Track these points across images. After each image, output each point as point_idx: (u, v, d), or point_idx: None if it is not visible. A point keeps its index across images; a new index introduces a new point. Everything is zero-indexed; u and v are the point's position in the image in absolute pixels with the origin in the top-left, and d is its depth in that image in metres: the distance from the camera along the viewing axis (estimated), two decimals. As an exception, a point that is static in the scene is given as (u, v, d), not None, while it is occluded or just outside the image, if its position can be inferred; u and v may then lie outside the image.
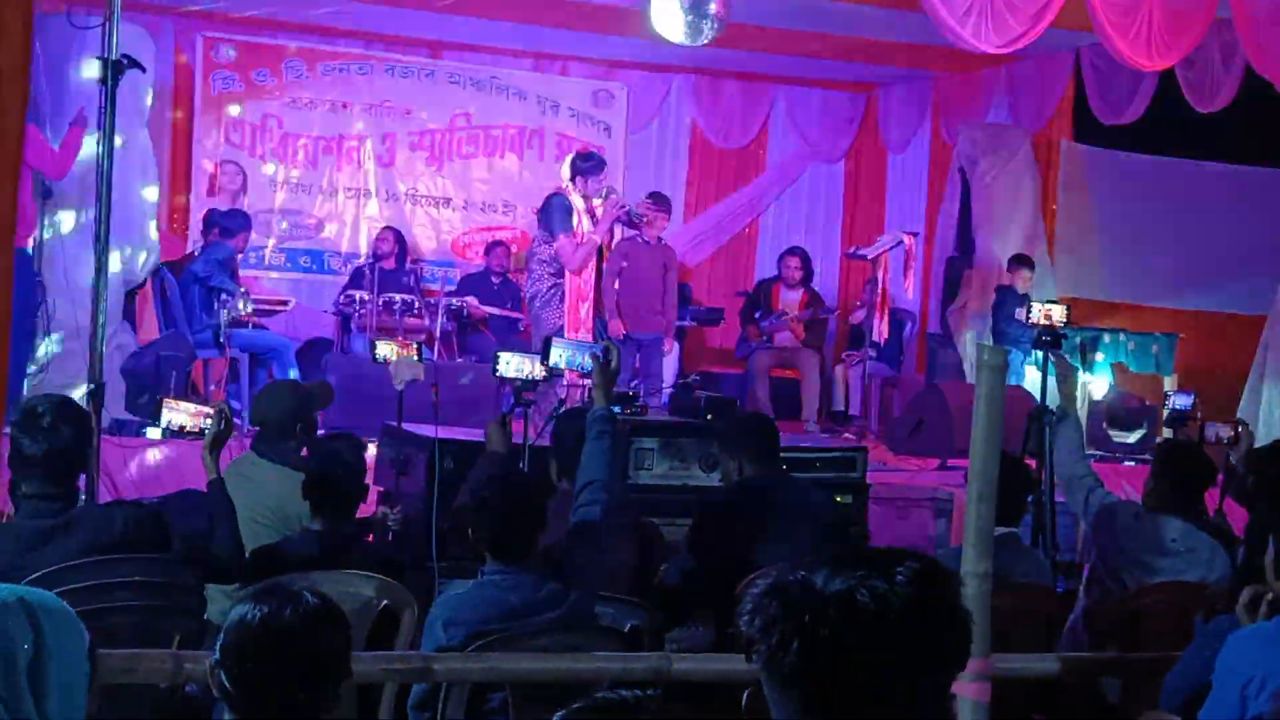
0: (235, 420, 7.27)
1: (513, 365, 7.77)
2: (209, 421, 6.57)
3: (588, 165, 12.78)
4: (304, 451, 7.74)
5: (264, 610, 3.48)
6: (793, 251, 15.80)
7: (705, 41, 11.83)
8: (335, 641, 3.58)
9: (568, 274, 12.46)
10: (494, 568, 5.71)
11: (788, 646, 2.18)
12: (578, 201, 12.48)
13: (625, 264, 12.78)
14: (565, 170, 13.03)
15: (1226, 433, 8.99)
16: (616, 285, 12.72)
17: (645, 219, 12.90)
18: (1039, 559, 7.68)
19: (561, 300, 12.45)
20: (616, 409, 7.09)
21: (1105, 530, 7.41)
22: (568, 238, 12.39)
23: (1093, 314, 15.94)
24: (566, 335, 12.51)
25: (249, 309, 13.20)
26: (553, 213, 12.57)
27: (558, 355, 7.56)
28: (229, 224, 13.67)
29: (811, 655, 2.17)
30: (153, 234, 13.21)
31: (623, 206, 12.67)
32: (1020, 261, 15.19)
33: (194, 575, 6.08)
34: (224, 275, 12.96)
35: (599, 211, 12.56)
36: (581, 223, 12.44)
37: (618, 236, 13.01)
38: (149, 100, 13.28)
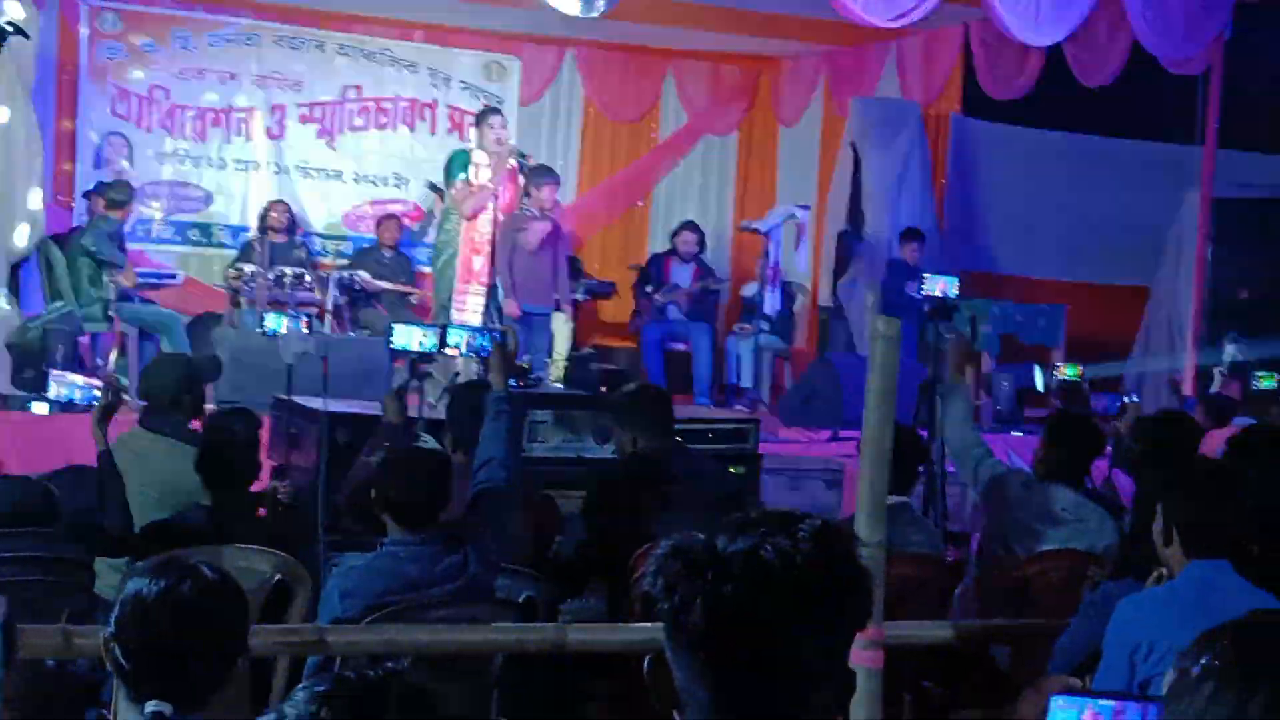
0: (123, 394, 7.21)
1: (407, 337, 7.76)
2: (98, 394, 6.52)
3: (480, 116, 12.99)
4: (193, 425, 7.69)
5: (161, 584, 3.46)
6: (687, 226, 15.83)
7: (598, 14, 11.81)
8: (232, 616, 3.56)
9: (463, 226, 12.55)
10: (394, 539, 5.71)
11: (691, 606, 2.17)
12: (478, 155, 12.61)
13: (516, 239, 12.76)
14: (472, 131, 13.29)
15: (1113, 403, 9.10)
16: (510, 263, 12.70)
17: (530, 170, 12.91)
18: (930, 528, 7.74)
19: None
20: (511, 382, 7.09)
21: (995, 499, 7.48)
22: (463, 184, 12.54)
23: (981, 286, 16.07)
24: (459, 287, 12.60)
25: (137, 282, 13.08)
26: (453, 165, 12.75)
27: (455, 339, 7.57)
28: (115, 195, 13.52)
29: (715, 613, 2.16)
30: (37, 206, 13.06)
31: (512, 151, 12.75)
32: (911, 235, 15.30)
33: (82, 550, 6.04)
34: (112, 248, 12.83)
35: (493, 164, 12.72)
36: (478, 174, 12.57)
37: (505, 199, 12.97)
38: (33, 70, 13.12)
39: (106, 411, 6.40)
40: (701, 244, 15.72)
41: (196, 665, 3.45)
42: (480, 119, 13.01)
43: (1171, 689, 1.99)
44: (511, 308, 12.68)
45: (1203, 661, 1.88)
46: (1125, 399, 9.07)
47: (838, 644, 2.24)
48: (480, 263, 12.68)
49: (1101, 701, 2.12)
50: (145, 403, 7.80)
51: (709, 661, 2.19)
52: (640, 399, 8.09)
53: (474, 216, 12.61)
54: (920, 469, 8.14)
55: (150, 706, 3.35)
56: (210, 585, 3.50)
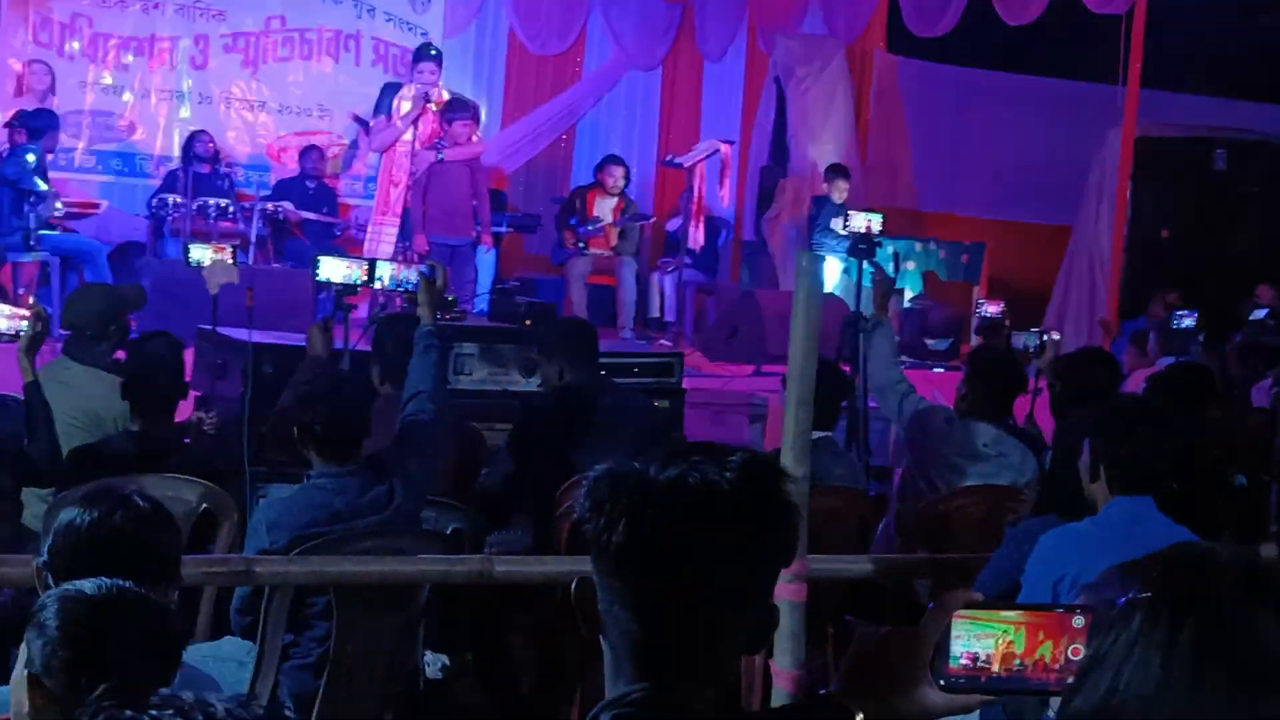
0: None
1: (333, 269, 7.75)
2: (25, 324, 6.50)
3: (417, 50, 12.97)
4: (117, 354, 7.68)
5: (94, 514, 3.48)
6: (613, 160, 15.82)
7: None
8: (166, 544, 3.59)
9: (382, 158, 12.63)
10: (320, 470, 5.72)
11: (615, 525, 2.20)
12: (405, 91, 12.66)
13: (430, 174, 12.76)
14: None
15: (1034, 341, 9.18)
16: (424, 195, 12.71)
17: (446, 103, 12.92)
18: (853, 462, 7.82)
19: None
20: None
21: (918, 434, 7.56)
22: (385, 119, 12.61)
23: (904, 223, 16.16)
24: (375, 218, 12.66)
25: (60, 211, 12.99)
26: (382, 98, 12.82)
27: (384, 273, 7.58)
28: (37, 124, 13.41)
29: (638, 534, 2.19)
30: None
31: (423, 93, 12.75)
32: (837, 171, 15.36)
33: (9, 479, 6.03)
34: (33, 177, 12.73)
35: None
36: (400, 108, 12.63)
37: (425, 132, 12.97)
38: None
39: (34, 342, 6.38)
40: (626, 178, 15.72)
41: (129, 593, 3.47)
42: (414, 58, 13.01)
43: (1096, 618, 2.03)
44: (420, 242, 12.67)
45: (1130, 594, 1.92)
46: (1046, 336, 9.13)
47: (759, 576, 2.27)
48: (395, 194, 12.72)
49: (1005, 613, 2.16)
50: (70, 332, 7.77)
51: (630, 583, 2.22)
52: (567, 332, 8.12)
53: (383, 150, 12.67)
54: (844, 404, 8.21)
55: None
56: (143, 514, 3.52)
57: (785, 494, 2.27)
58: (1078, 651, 2.05)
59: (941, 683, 2.11)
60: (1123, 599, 1.92)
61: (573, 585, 2.32)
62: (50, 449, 6.21)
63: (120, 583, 3.21)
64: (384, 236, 12.39)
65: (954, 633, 2.11)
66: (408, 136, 12.86)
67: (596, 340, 8.12)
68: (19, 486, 6.20)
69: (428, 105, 12.78)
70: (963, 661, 2.10)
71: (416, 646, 5.83)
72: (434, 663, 6.08)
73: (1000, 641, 2.11)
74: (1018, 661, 2.11)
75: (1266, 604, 1.86)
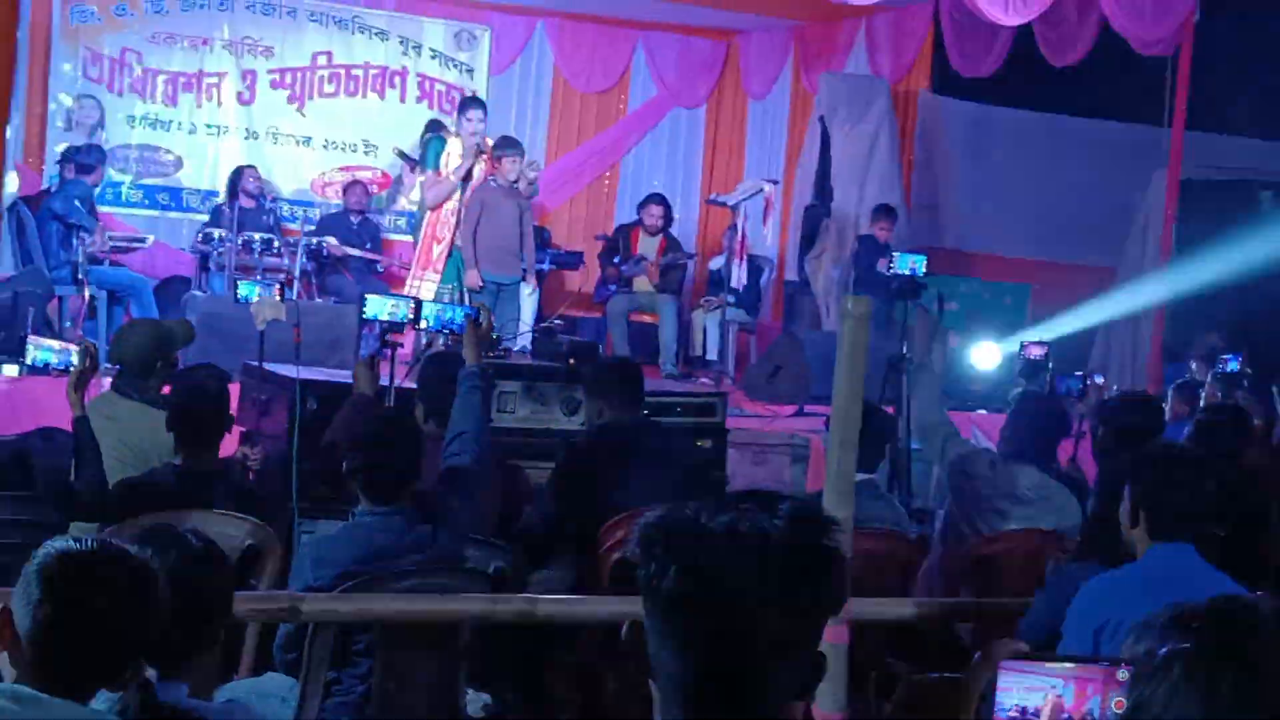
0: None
1: (380, 307, 7.80)
2: (73, 358, 6.55)
3: (462, 104, 12.99)
4: (165, 390, 7.72)
5: (149, 553, 3.51)
6: (654, 199, 15.86)
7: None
8: (218, 583, 3.62)
9: (427, 213, 12.63)
10: (366, 509, 5.75)
11: (666, 571, 2.22)
12: (454, 144, 12.64)
13: (481, 209, 12.76)
14: (451, 118, 13.36)
15: (1077, 385, 9.17)
16: (475, 232, 12.71)
17: (496, 162, 12.88)
18: (895, 505, 7.81)
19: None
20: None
21: (961, 478, 7.56)
22: (433, 173, 12.58)
23: (948, 264, 16.15)
24: (415, 271, 12.68)
25: (108, 245, 13.08)
26: (428, 151, 12.81)
27: (430, 314, 7.64)
28: (85, 159, 13.52)
29: (688, 581, 2.21)
30: (8, 169, 13.03)
31: (476, 145, 12.72)
32: (883, 212, 15.35)
33: (58, 513, 6.07)
34: (82, 212, 12.83)
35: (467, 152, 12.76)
36: (449, 162, 12.60)
37: (476, 180, 12.99)
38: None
39: (83, 377, 6.43)
40: (668, 217, 15.76)
41: (181, 632, 3.51)
42: (461, 108, 13.01)
43: (1136, 671, 2.04)
44: (473, 278, 12.69)
45: (1170, 645, 1.93)
46: (1089, 380, 9.13)
47: (807, 625, 2.28)
48: (438, 250, 12.76)
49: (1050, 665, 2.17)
50: (119, 367, 7.82)
51: (680, 629, 2.24)
52: (613, 371, 8.14)
53: (436, 207, 12.68)
54: (886, 446, 8.21)
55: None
56: (196, 553, 3.56)
57: (834, 543, 2.29)
58: (1121, 704, 2.06)
59: (989, 729, 2.12)
60: (1163, 649, 1.94)
61: (624, 628, 2.34)
62: (97, 483, 6.25)
63: (101, 540, 3.34)
64: (422, 291, 12.40)
65: (1001, 684, 2.12)
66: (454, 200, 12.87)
67: (640, 379, 8.13)
68: (67, 520, 6.24)
69: (481, 155, 12.79)
70: (1011, 714, 2.12)
71: (459, 685, 5.84)
72: (476, 701, 6.09)
73: (1049, 696, 2.12)
74: (1066, 715, 2.12)
75: None
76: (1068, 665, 2.16)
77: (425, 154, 12.99)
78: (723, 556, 2.22)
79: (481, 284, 12.66)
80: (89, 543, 3.30)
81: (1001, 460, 7.51)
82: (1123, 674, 2.11)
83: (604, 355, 10.28)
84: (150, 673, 3.42)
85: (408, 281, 12.86)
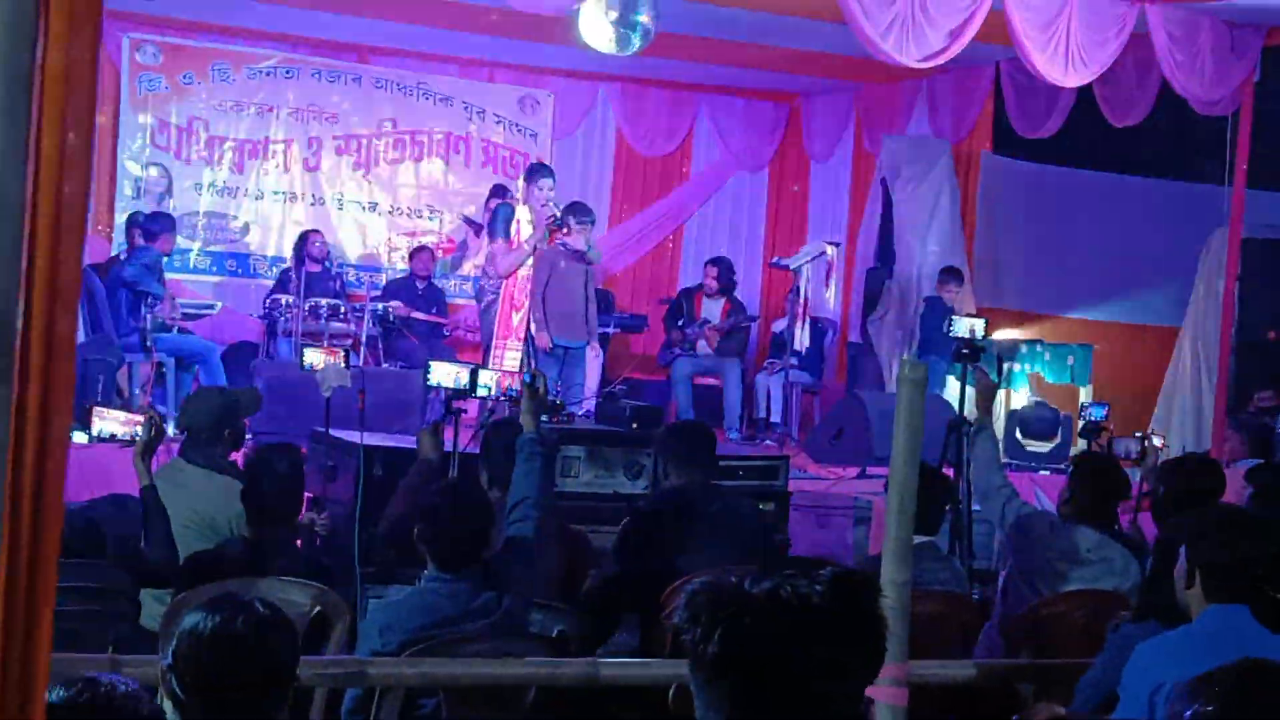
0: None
1: (443, 374, 7.89)
2: (139, 429, 6.65)
3: (531, 172, 13.04)
4: (233, 456, 7.82)
5: (217, 619, 3.60)
6: (714, 262, 15.96)
7: (633, 51, 11.91)
8: (284, 649, 3.70)
9: (504, 282, 12.73)
10: (433, 575, 5.83)
11: (711, 635, 2.30)
12: (522, 211, 12.74)
13: (550, 274, 12.86)
14: (520, 182, 13.51)
15: (1135, 446, 9.17)
16: (543, 296, 12.80)
17: (565, 228, 12.95)
18: (956, 567, 7.82)
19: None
20: (543, 418, 7.22)
21: (1021, 539, 7.57)
22: (503, 242, 12.66)
23: (1010, 324, 16.16)
24: (497, 341, 12.76)
25: (178, 313, 13.23)
26: (496, 219, 12.87)
27: (487, 381, 7.74)
28: (153, 227, 13.68)
29: (733, 645, 2.29)
30: (79, 237, 13.18)
31: (551, 216, 12.76)
32: (950, 274, 15.38)
33: (128, 580, 6.16)
34: (151, 279, 12.98)
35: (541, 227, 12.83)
36: (520, 230, 12.69)
37: (543, 245, 13.09)
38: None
39: (149, 446, 6.54)
40: (730, 280, 15.83)
41: (248, 697, 3.59)
42: (530, 176, 13.07)
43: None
44: (544, 340, 12.77)
45: (1194, 707, 1.97)
46: (1146, 441, 9.13)
47: (849, 686, 2.36)
48: (518, 319, 12.85)
49: None
50: (186, 434, 7.92)
51: (724, 692, 2.33)
52: (681, 435, 8.19)
53: (509, 276, 12.77)
54: (946, 508, 8.23)
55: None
56: (263, 620, 3.64)
57: (876, 608, 2.35)
58: None
59: (1031, 791, 2.17)
60: (1189, 711, 1.98)
61: (671, 691, 2.41)
62: (167, 551, 6.35)
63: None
64: (506, 361, 12.49)
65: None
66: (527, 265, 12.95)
67: (711, 443, 8.19)
68: (138, 587, 6.34)
69: (552, 226, 12.85)
70: (1050, 776, 2.17)
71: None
72: (540, 764, 6.14)
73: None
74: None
75: None
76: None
77: (494, 223, 13.07)
78: (764, 621, 2.30)
79: (552, 345, 12.74)
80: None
81: (1061, 522, 7.53)
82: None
83: (675, 419, 10.31)
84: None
85: (490, 352, 12.95)
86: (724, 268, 15.85)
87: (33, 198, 0.97)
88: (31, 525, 1.02)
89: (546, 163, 14.11)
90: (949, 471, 8.96)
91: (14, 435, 0.97)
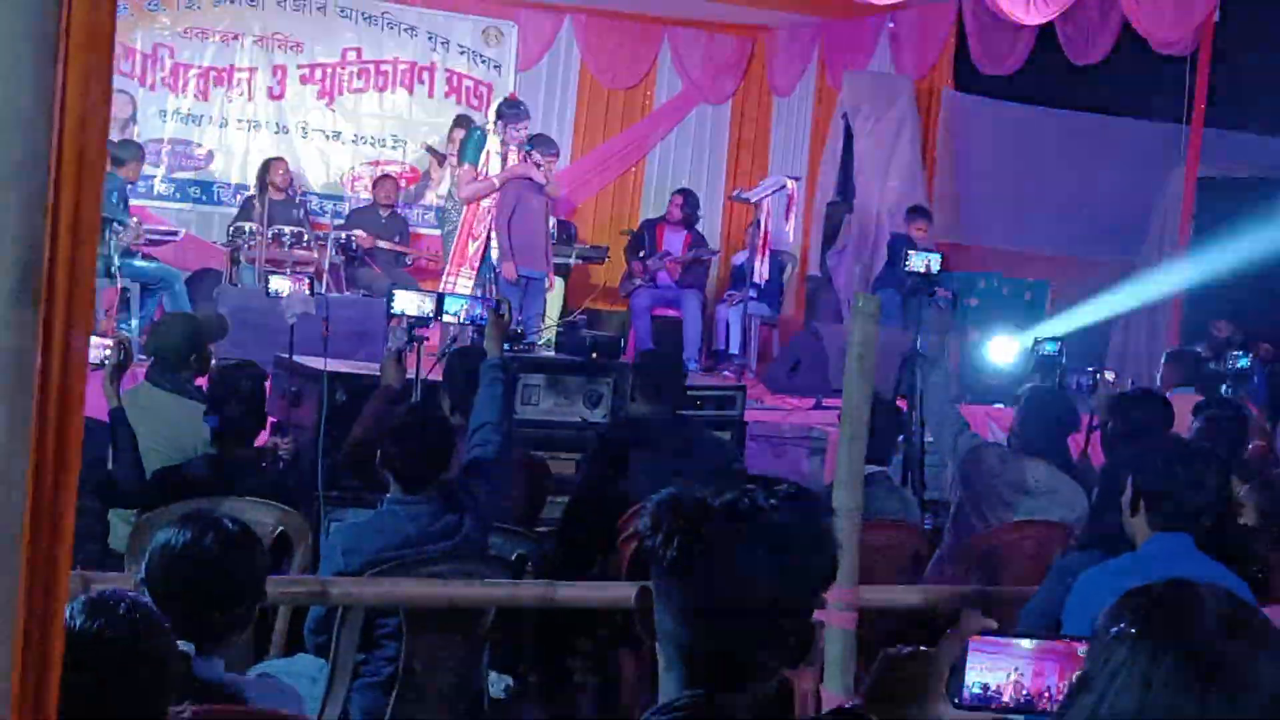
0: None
1: (407, 301, 8.01)
2: (109, 352, 6.74)
3: (510, 112, 13.10)
4: (199, 381, 7.91)
5: (188, 535, 3.74)
6: (680, 192, 16.05)
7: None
8: (252, 566, 3.84)
9: (464, 212, 12.84)
10: (394, 497, 5.96)
11: (671, 541, 2.45)
12: (493, 142, 12.82)
13: (515, 204, 12.93)
14: (491, 114, 13.68)
15: (1086, 380, 9.30)
16: (509, 227, 12.88)
17: (544, 170, 13.03)
18: (907, 497, 7.97)
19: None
20: (504, 346, 7.34)
21: (972, 469, 7.72)
22: (470, 168, 12.76)
23: (968, 260, 16.28)
24: (450, 269, 12.87)
25: (142, 239, 13.28)
26: (468, 144, 12.99)
27: (453, 308, 7.84)
28: (122, 154, 13.68)
29: (691, 550, 2.44)
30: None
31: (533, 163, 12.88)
32: (918, 213, 15.46)
33: (96, 501, 6.27)
34: (116, 206, 13.00)
35: (511, 159, 12.88)
36: (489, 162, 12.78)
37: (508, 174, 13.16)
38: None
39: (118, 370, 6.63)
40: (695, 211, 15.92)
41: (218, 610, 3.74)
42: (510, 117, 13.10)
43: (1090, 647, 2.22)
44: (509, 270, 12.86)
45: (1119, 625, 2.07)
46: (1098, 375, 9.26)
47: (798, 595, 2.50)
48: (474, 247, 12.96)
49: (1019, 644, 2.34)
50: (153, 359, 8.00)
51: (681, 595, 2.47)
52: (651, 365, 8.30)
53: (470, 203, 12.88)
54: (899, 439, 8.38)
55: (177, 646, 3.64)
56: (232, 537, 3.78)
57: (824, 523, 2.51)
58: (1077, 678, 2.23)
59: (956, 701, 2.31)
60: (1114, 629, 2.07)
61: (635, 594, 2.57)
62: (134, 472, 6.45)
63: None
64: (459, 288, 12.58)
65: (969, 660, 2.30)
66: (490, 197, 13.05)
67: (680, 375, 8.30)
68: (106, 507, 6.45)
69: (526, 158, 12.94)
70: (975, 692, 2.30)
71: (482, 667, 6.05)
72: (498, 683, 6.28)
73: (1010, 674, 2.31)
74: (1025, 691, 2.30)
75: (1244, 640, 2.00)
76: (1029, 643, 2.34)
77: (464, 148, 13.15)
78: (721, 529, 2.44)
79: (517, 275, 12.84)
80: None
81: (1011, 453, 7.67)
82: (1081, 649, 2.29)
83: (634, 350, 10.40)
84: (190, 649, 3.64)
85: (443, 278, 13.04)
86: (689, 198, 15.94)
87: (58, 146, 1.09)
88: (57, 436, 1.15)
89: (518, 98, 14.13)
90: (903, 404, 9.10)
91: (41, 353, 1.10)
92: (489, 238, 12.96)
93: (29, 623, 1.14)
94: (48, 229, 1.10)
